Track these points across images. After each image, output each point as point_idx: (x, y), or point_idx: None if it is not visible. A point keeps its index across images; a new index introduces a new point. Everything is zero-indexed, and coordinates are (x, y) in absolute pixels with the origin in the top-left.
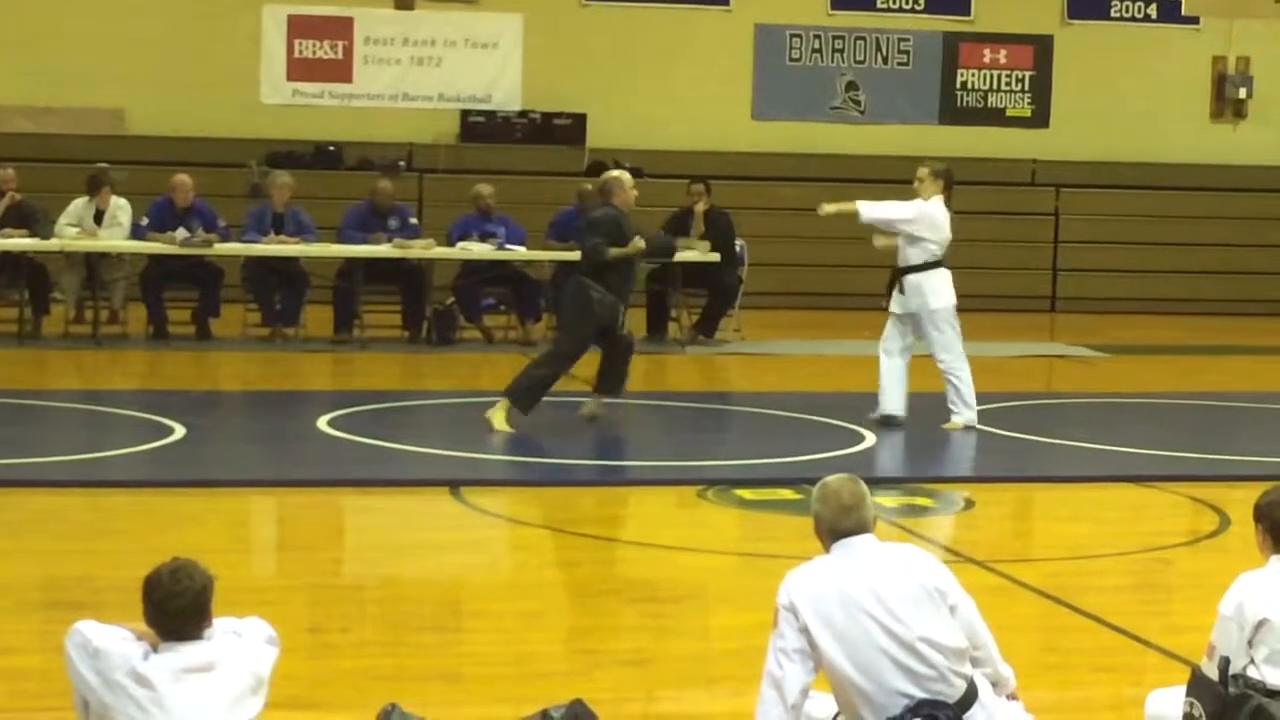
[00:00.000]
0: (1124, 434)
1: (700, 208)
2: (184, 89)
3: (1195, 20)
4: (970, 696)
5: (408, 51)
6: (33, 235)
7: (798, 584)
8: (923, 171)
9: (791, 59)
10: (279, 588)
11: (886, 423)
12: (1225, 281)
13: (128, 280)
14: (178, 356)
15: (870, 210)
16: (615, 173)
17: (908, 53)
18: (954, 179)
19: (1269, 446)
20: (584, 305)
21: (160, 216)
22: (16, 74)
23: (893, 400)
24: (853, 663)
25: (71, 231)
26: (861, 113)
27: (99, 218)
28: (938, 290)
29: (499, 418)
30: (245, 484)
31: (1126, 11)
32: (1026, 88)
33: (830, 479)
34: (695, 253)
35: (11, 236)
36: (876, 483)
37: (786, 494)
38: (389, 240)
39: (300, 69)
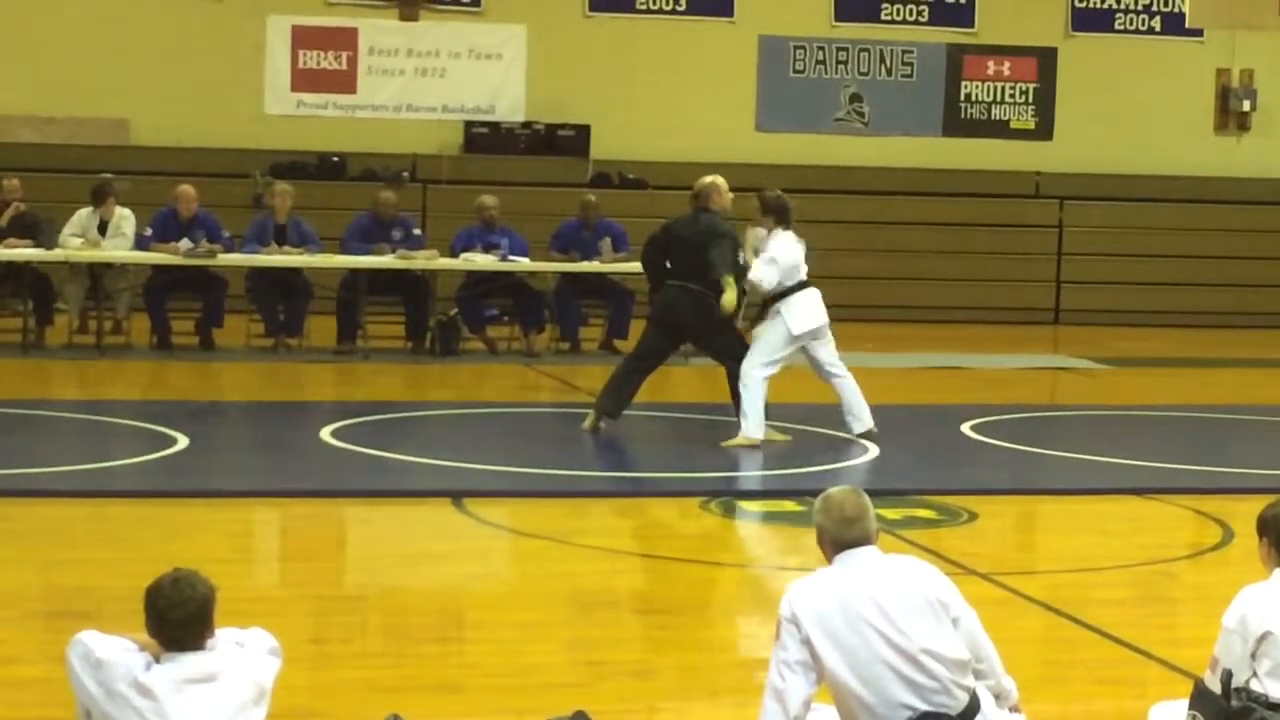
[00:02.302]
0: (1127, 446)
1: None
2: (188, 99)
3: (1199, 33)
4: (973, 709)
5: (411, 62)
6: (37, 245)
7: (800, 596)
8: (756, 216)
9: (795, 71)
10: (281, 598)
11: (868, 436)
12: (1229, 294)
13: (131, 290)
14: (181, 367)
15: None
16: (711, 178)
17: (911, 65)
18: (777, 202)
19: (1273, 459)
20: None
21: (164, 227)
22: (21, 84)
23: (866, 414)
24: (855, 674)
25: (75, 242)
26: (865, 124)
27: (103, 228)
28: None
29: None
30: (248, 494)
31: (1130, 24)
32: (1030, 100)
33: (833, 490)
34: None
35: (16, 246)
36: (879, 494)
37: (789, 506)
38: (392, 251)
39: (304, 80)
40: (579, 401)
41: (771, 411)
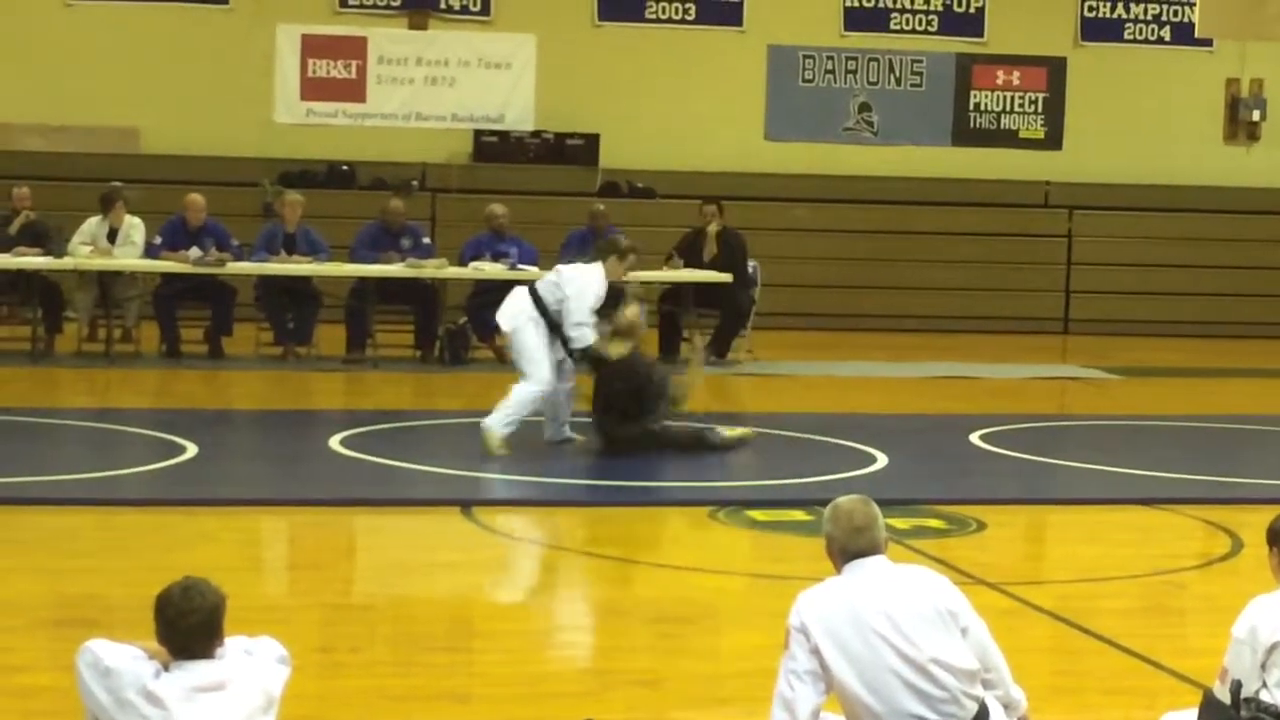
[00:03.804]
0: (1136, 456)
1: (713, 228)
2: (198, 108)
3: (1209, 43)
4: (982, 718)
5: (421, 71)
6: (46, 253)
7: (809, 605)
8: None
9: (805, 80)
10: (290, 607)
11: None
12: (1238, 304)
13: (141, 299)
14: (190, 375)
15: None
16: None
17: (921, 74)
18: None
19: None
20: None
21: (173, 235)
22: (30, 92)
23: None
24: (864, 684)
25: (85, 250)
26: (874, 134)
27: (112, 236)
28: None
29: None
30: (257, 503)
31: (1140, 34)
32: (1040, 109)
33: (842, 500)
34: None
35: (25, 254)
36: (888, 504)
37: (798, 515)
38: (401, 260)
39: (314, 88)
40: (588, 410)
41: (779, 420)
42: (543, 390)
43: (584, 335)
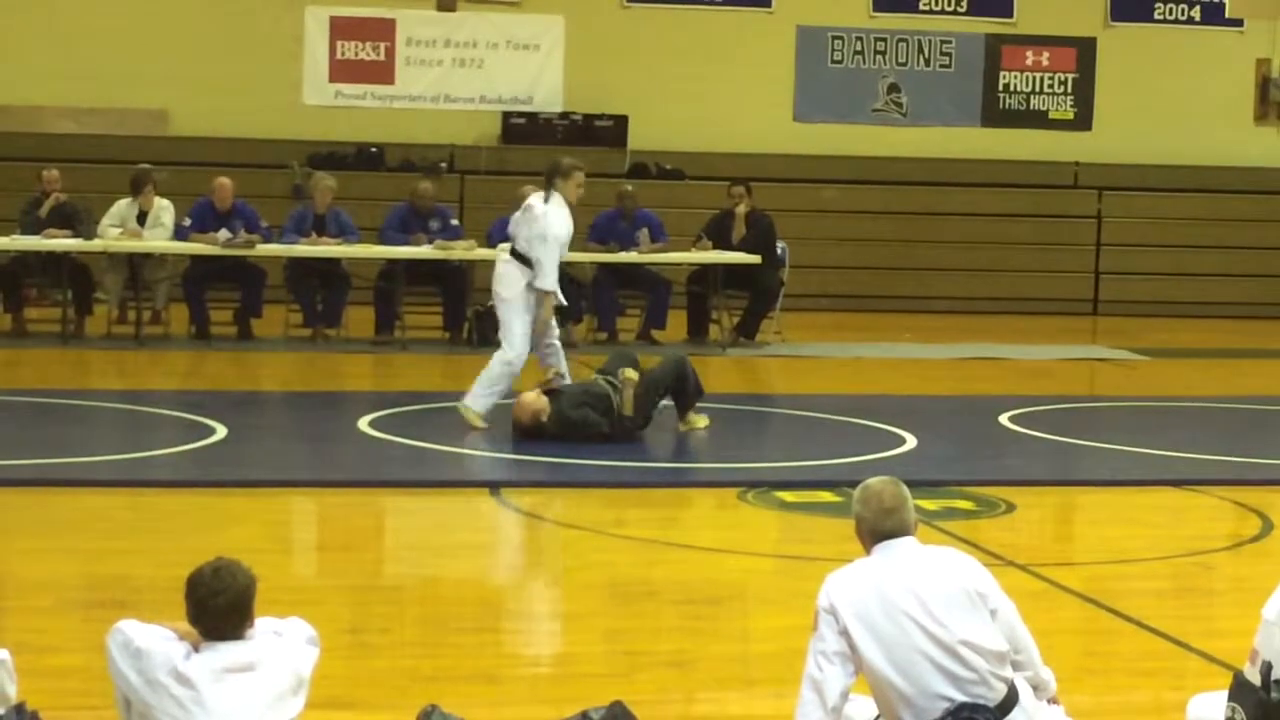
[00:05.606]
0: (1166, 437)
1: (741, 210)
2: (226, 90)
3: (1239, 22)
4: (1011, 700)
5: (449, 53)
6: (76, 235)
7: (838, 586)
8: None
9: (833, 61)
10: (319, 588)
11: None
12: (1268, 285)
13: (170, 281)
14: (219, 357)
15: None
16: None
17: (950, 55)
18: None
19: None
20: None
21: (202, 217)
22: (60, 75)
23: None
24: (893, 665)
25: (114, 232)
26: (903, 115)
27: (142, 218)
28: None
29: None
30: (286, 484)
31: (1170, 14)
32: (1069, 90)
33: (872, 481)
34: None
35: (55, 237)
36: (917, 485)
37: (827, 496)
38: (430, 241)
39: (342, 70)
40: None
41: (808, 402)
42: (514, 361)
43: (548, 285)
